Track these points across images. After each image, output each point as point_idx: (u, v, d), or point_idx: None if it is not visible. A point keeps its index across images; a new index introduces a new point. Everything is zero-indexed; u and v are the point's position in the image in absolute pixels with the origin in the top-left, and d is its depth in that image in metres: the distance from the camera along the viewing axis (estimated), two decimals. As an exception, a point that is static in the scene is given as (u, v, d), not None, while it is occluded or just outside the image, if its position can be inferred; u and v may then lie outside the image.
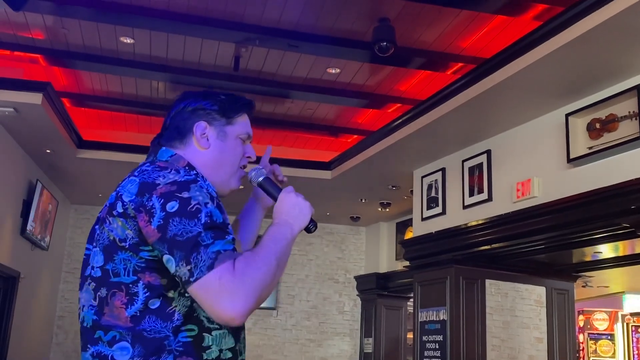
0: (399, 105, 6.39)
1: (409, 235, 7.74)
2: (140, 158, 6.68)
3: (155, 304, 1.41)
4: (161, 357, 1.39)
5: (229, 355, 1.48)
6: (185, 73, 5.86)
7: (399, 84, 6.01)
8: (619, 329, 10.61)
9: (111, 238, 1.45)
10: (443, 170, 6.19)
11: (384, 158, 6.39)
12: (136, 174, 1.50)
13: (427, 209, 6.34)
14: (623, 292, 10.15)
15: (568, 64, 4.19)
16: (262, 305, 6.89)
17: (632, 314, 10.44)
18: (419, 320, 6.15)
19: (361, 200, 8.05)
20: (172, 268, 1.36)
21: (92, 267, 1.49)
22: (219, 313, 1.33)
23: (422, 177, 6.50)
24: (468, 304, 5.80)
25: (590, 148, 4.49)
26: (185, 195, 1.40)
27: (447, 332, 5.71)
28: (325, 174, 7.21)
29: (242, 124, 1.67)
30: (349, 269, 9.51)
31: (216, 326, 1.45)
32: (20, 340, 6.96)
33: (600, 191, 4.30)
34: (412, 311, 6.97)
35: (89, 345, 1.46)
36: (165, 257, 1.37)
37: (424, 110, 5.47)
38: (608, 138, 4.37)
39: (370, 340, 8.65)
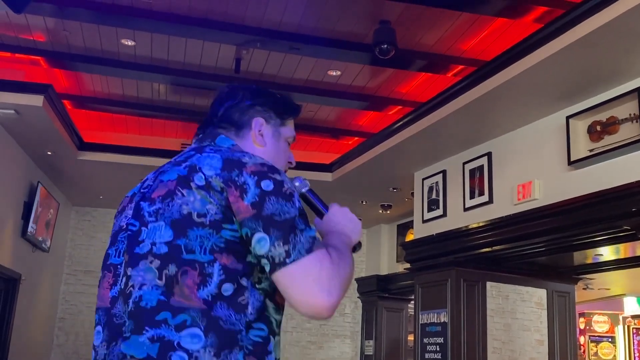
0: (399, 107, 6.39)
1: (409, 237, 7.73)
2: (141, 160, 6.65)
3: (228, 290, 1.30)
4: (233, 351, 1.28)
5: None
6: (186, 75, 5.87)
7: (399, 86, 6.01)
8: (619, 332, 10.60)
9: (185, 212, 1.32)
10: (444, 172, 6.19)
11: (384, 160, 6.40)
12: (210, 150, 1.43)
13: (428, 211, 6.34)
14: (624, 295, 10.14)
15: (569, 67, 4.19)
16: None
17: (633, 317, 10.44)
18: (420, 322, 6.14)
19: (362, 202, 8.05)
20: (264, 247, 1.28)
21: (154, 243, 1.33)
22: (313, 300, 1.25)
23: (423, 179, 6.50)
24: (469, 306, 5.79)
25: (591, 150, 4.49)
26: (277, 177, 1.35)
27: (448, 334, 5.70)
28: (326, 176, 7.21)
29: (291, 127, 1.65)
30: (349, 271, 9.49)
31: (277, 331, 1.37)
32: (21, 342, 6.96)
33: (601, 193, 4.29)
34: (412, 313, 6.96)
35: (146, 328, 1.29)
36: (258, 236, 1.28)
37: (424, 113, 5.47)
38: (609, 140, 4.37)
39: (371, 342, 8.64)
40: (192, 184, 1.34)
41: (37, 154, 6.66)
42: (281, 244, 1.27)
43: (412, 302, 7.25)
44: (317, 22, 4.93)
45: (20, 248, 6.72)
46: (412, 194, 6.85)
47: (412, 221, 6.90)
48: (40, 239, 7.14)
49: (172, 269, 1.31)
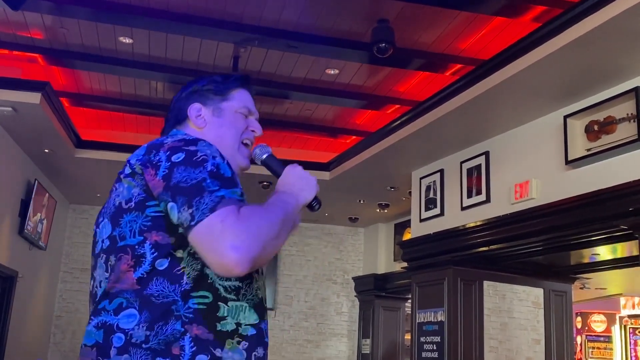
0: (397, 106, 6.39)
1: (407, 236, 7.74)
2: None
3: (163, 264, 1.34)
4: (169, 322, 1.31)
5: (252, 331, 1.40)
6: (184, 73, 5.86)
7: (397, 85, 6.01)
8: (616, 331, 10.62)
9: (117, 204, 1.41)
10: (441, 171, 6.19)
11: (382, 159, 6.40)
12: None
13: (426, 210, 6.34)
14: (620, 294, 10.16)
15: (567, 66, 4.20)
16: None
17: (629, 316, 10.45)
18: (417, 321, 6.15)
19: (359, 201, 8.06)
20: (174, 215, 1.31)
21: (102, 241, 1.43)
22: (219, 258, 1.24)
23: (421, 178, 6.50)
24: (466, 306, 5.80)
25: (588, 150, 4.50)
26: (192, 148, 1.38)
27: (445, 333, 5.71)
28: (324, 175, 7.21)
29: (239, 98, 1.64)
30: (347, 270, 9.51)
31: (233, 297, 1.38)
32: (18, 340, 6.95)
33: (598, 193, 4.30)
34: (410, 312, 6.97)
35: (92, 318, 1.38)
36: (169, 205, 1.32)
37: (422, 112, 5.48)
38: (606, 140, 4.37)
39: (368, 341, 8.65)
40: (121, 176, 1.44)
41: (34, 152, 6.65)
42: (186, 208, 1.29)
43: (409, 301, 7.26)
44: (315, 20, 4.93)
45: (17, 246, 6.71)
46: (410, 193, 6.85)
47: (410, 220, 6.90)
48: (37, 236, 7.13)
49: (112, 259, 1.39)
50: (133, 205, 1.38)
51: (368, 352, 8.62)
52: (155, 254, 1.35)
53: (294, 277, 9.36)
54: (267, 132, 7.19)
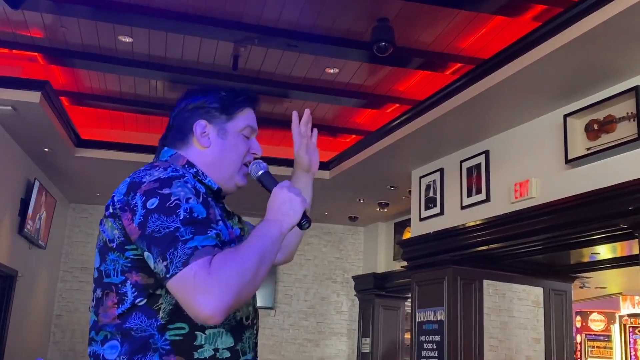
0: (397, 105, 6.39)
1: (407, 235, 7.74)
2: (138, 157, 6.71)
3: (142, 302, 1.41)
4: (147, 355, 1.38)
5: (227, 354, 1.44)
6: (184, 72, 5.86)
7: (397, 84, 6.01)
8: (616, 330, 10.62)
9: (103, 240, 1.47)
10: (441, 170, 6.19)
11: (382, 158, 6.40)
12: (131, 174, 1.49)
13: (425, 209, 6.34)
14: (620, 293, 10.16)
15: (567, 65, 4.20)
16: (260, 305, 6.89)
17: (629, 315, 10.46)
18: (417, 320, 6.15)
19: (359, 200, 8.05)
20: (151, 265, 1.35)
21: (94, 269, 1.52)
22: (194, 311, 1.29)
23: (421, 177, 6.50)
24: (466, 305, 5.80)
25: (588, 149, 4.50)
26: (166, 191, 1.38)
27: (445, 332, 5.71)
28: (324, 174, 7.20)
29: (243, 118, 1.63)
30: (346, 269, 9.51)
31: (206, 325, 1.41)
32: (17, 339, 6.95)
33: (598, 192, 4.30)
34: (409, 311, 6.97)
35: (88, 346, 1.49)
36: (146, 254, 1.36)
37: (422, 111, 5.48)
38: (606, 139, 4.37)
39: (368, 340, 8.65)
40: (107, 213, 1.48)
41: (34, 151, 6.65)
42: (160, 261, 1.32)
43: (409, 300, 7.26)
44: (315, 19, 4.92)
45: (16, 245, 6.71)
46: (410, 192, 6.85)
47: (410, 219, 6.90)
48: (36, 235, 7.13)
49: (99, 292, 1.47)
50: (115, 246, 1.44)
51: (368, 351, 8.62)
52: (135, 293, 1.41)
53: (293, 276, 9.36)
54: (267, 131, 7.22)
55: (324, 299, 9.41)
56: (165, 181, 1.41)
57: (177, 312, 1.39)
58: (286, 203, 1.51)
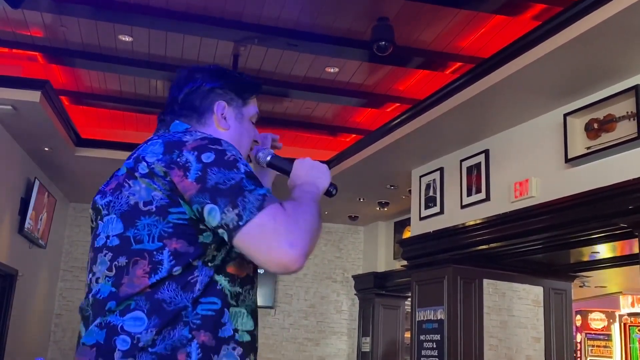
0: (397, 104, 6.39)
1: (407, 234, 7.74)
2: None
3: (178, 271, 1.32)
4: (177, 327, 1.30)
5: (247, 338, 1.39)
6: (184, 71, 5.86)
7: (397, 83, 6.01)
8: (616, 329, 10.63)
9: (132, 203, 1.36)
10: (441, 169, 6.19)
11: (382, 157, 6.40)
12: (155, 138, 1.44)
13: (425, 208, 6.35)
14: (620, 292, 10.17)
15: (566, 64, 4.20)
16: (260, 304, 6.89)
17: (629, 314, 10.46)
18: (417, 319, 6.15)
19: (359, 199, 8.06)
20: (216, 217, 1.27)
21: (108, 237, 1.38)
22: (278, 255, 1.23)
23: (421, 176, 6.50)
24: (465, 304, 5.80)
25: (588, 148, 4.50)
26: (219, 147, 1.35)
27: (445, 331, 5.71)
28: (324, 173, 7.19)
29: (253, 105, 1.65)
30: (347, 268, 9.51)
31: (234, 303, 1.37)
32: (18, 339, 6.95)
33: (598, 191, 4.30)
34: (409, 310, 6.98)
35: (97, 317, 1.35)
36: (208, 208, 1.28)
37: (422, 110, 5.47)
38: (606, 138, 4.37)
39: (368, 339, 8.66)
40: (136, 174, 1.37)
41: (34, 150, 6.65)
42: (231, 209, 1.26)
43: (409, 299, 7.26)
44: (315, 18, 4.92)
45: (17, 244, 6.72)
46: (410, 191, 6.85)
47: (409, 218, 6.90)
48: (37, 235, 7.13)
49: (122, 260, 1.34)
50: (154, 209, 1.33)
51: (368, 350, 8.62)
52: (172, 262, 1.32)
53: (293, 276, 9.35)
54: (267, 130, 7.21)
55: (324, 298, 9.41)
56: (214, 140, 1.38)
57: (212, 286, 1.34)
58: (314, 168, 1.55)
